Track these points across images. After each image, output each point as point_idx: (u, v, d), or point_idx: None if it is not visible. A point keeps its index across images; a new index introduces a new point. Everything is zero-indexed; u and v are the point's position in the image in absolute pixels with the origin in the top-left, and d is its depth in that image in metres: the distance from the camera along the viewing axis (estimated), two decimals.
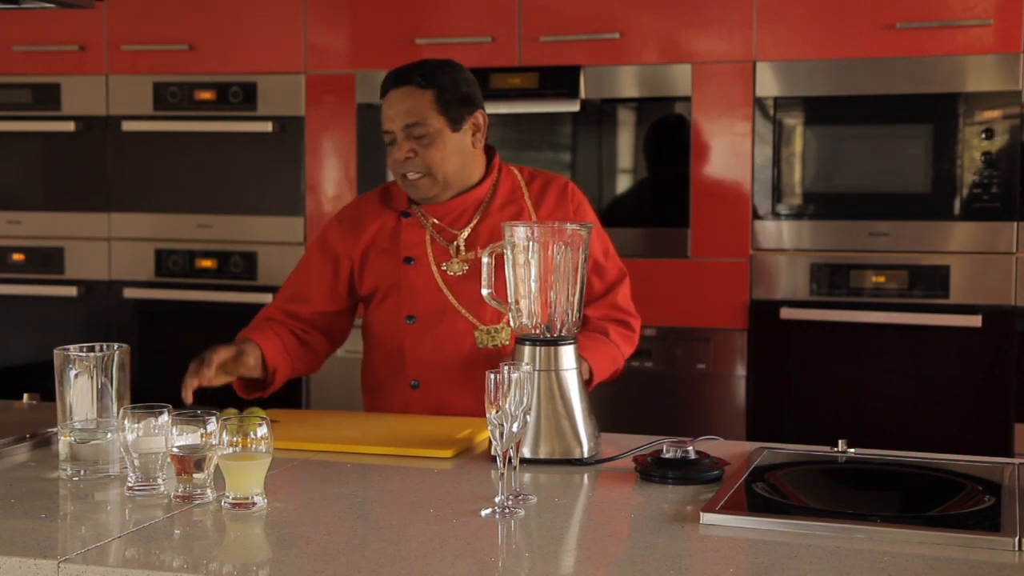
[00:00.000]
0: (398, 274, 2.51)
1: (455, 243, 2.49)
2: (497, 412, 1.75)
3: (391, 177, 3.76)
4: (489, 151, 2.58)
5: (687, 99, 3.52)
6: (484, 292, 2.17)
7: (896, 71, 3.36)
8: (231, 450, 1.75)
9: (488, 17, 3.66)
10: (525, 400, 1.76)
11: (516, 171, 2.59)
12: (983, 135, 3.29)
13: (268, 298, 3.84)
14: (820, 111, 3.46)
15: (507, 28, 3.64)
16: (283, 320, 2.56)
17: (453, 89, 2.47)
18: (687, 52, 3.53)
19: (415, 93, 2.46)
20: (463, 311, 2.48)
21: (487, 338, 2.46)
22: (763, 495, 1.84)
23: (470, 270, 2.47)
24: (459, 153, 2.49)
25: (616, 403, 3.61)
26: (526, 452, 2.03)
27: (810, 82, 3.44)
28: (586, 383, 2.48)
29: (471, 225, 2.51)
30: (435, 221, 2.52)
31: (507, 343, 2.46)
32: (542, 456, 2.05)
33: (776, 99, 3.47)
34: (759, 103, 3.48)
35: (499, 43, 3.65)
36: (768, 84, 3.47)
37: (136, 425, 1.81)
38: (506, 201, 2.54)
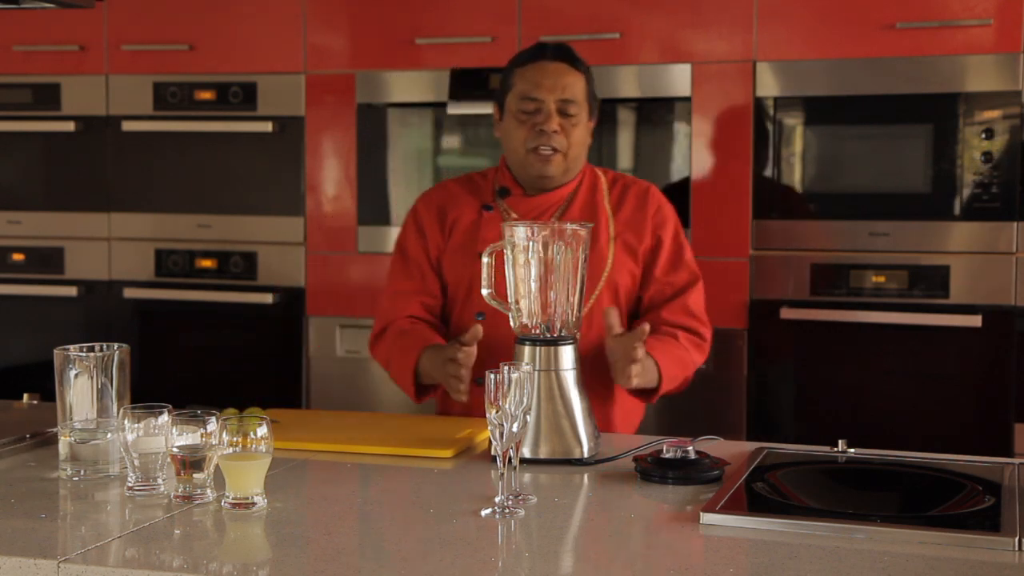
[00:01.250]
0: (473, 269, 2.44)
1: None
2: (497, 412, 1.75)
3: (392, 178, 3.81)
4: None
5: (687, 99, 3.52)
6: (484, 292, 2.17)
7: (896, 71, 3.36)
8: (231, 450, 1.75)
9: (488, 17, 3.66)
10: (525, 400, 1.76)
11: (601, 174, 2.58)
12: (983, 135, 3.29)
13: (268, 298, 3.84)
14: (820, 111, 3.46)
15: (507, 28, 3.64)
16: (430, 320, 2.53)
17: (593, 82, 2.53)
18: (687, 52, 3.53)
19: (571, 72, 2.47)
20: None
21: None
22: (763, 495, 1.84)
23: None
24: (585, 144, 2.51)
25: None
26: (526, 452, 2.04)
27: (810, 82, 3.44)
28: (651, 392, 2.43)
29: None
30: (516, 217, 2.50)
31: None
32: (542, 456, 2.05)
33: (776, 99, 3.47)
34: (759, 103, 3.48)
35: (499, 43, 3.65)
36: (768, 84, 3.47)
37: (136, 425, 1.81)
38: (586, 203, 2.52)
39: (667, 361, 2.40)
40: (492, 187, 2.56)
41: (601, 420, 2.38)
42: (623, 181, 2.57)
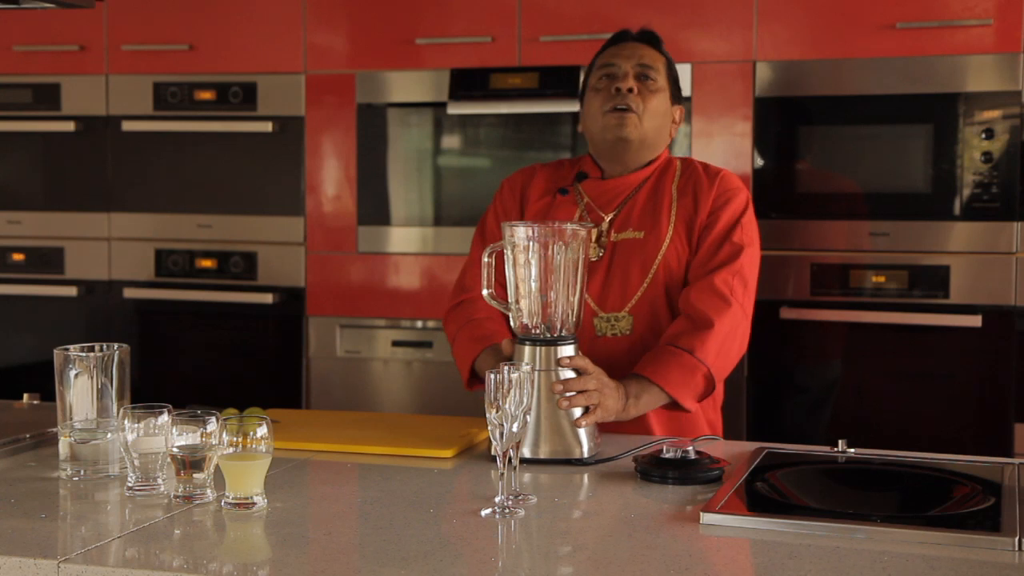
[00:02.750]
0: None
1: (600, 226, 2.46)
2: (497, 412, 1.75)
3: (392, 178, 3.81)
4: None
5: (687, 99, 3.51)
6: (484, 292, 2.17)
7: (896, 71, 3.36)
8: (231, 450, 1.75)
9: (488, 17, 3.66)
10: (525, 400, 1.76)
11: (678, 162, 2.56)
12: (983, 135, 3.29)
13: (268, 298, 3.84)
14: (820, 111, 3.46)
15: (507, 28, 3.64)
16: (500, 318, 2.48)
17: (675, 71, 2.58)
18: (687, 52, 3.53)
19: (652, 50, 2.54)
20: (587, 296, 2.40)
21: (606, 326, 2.42)
22: (763, 495, 1.84)
23: (605, 255, 2.44)
24: (662, 121, 2.51)
25: None
26: (526, 452, 2.04)
27: (810, 82, 3.44)
28: (672, 405, 2.32)
29: (618, 210, 2.48)
30: (588, 201, 2.50)
31: (627, 332, 2.41)
32: (542, 456, 2.05)
33: (776, 99, 3.47)
34: (759, 103, 3.48)
35: (499, 43, 3.65)
36: (768, 84, 3.47)
37: (136, 425, 1.81)
38: (654, 189, 2.50)
39: (671, 374, 2.28)
40: (576, 172, 2.56)
41: (641, 424, 2.35)
42: (696, 165, 2.54)
